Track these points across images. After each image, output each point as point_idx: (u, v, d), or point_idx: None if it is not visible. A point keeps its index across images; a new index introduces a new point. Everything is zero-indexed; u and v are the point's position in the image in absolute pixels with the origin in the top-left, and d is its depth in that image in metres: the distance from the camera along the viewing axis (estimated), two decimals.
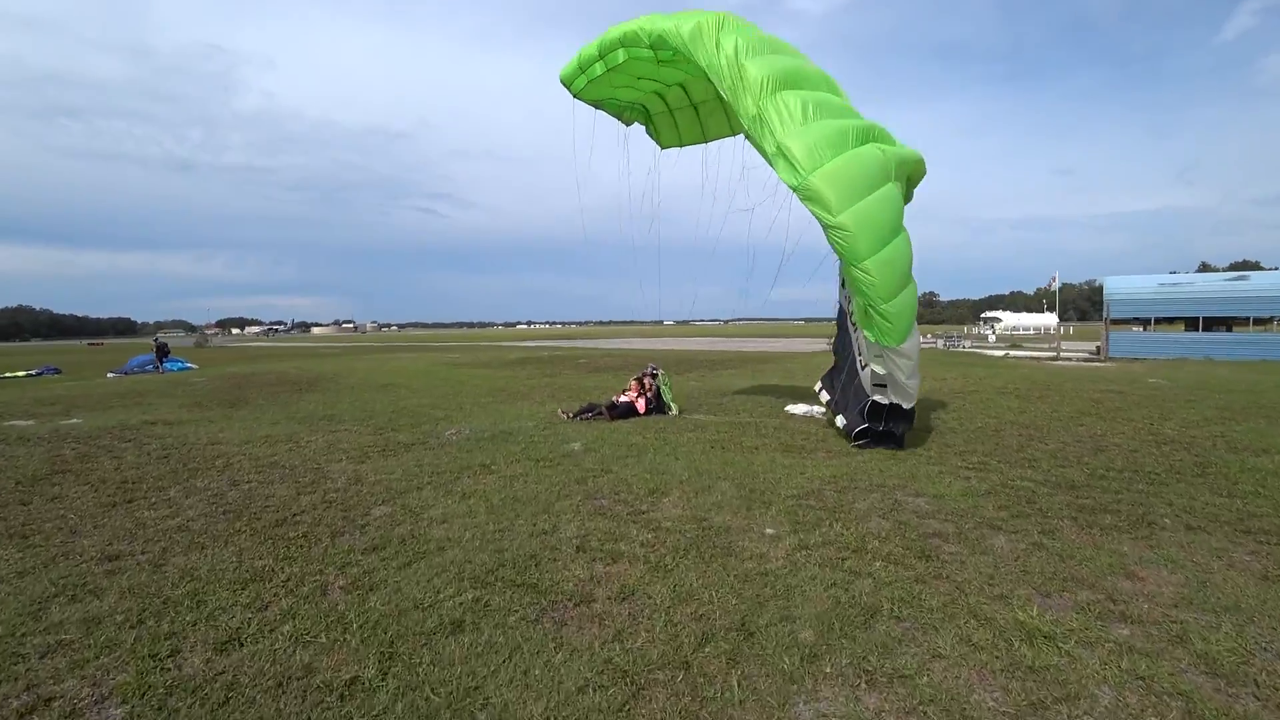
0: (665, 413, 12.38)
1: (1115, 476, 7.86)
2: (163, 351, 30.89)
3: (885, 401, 9.37)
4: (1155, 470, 8.14)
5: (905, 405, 9.51)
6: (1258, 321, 27.34)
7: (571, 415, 11.83)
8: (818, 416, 12.00)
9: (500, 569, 4.85)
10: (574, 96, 11.34)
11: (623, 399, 12.30)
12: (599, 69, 10.49)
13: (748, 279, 11.92)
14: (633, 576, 4.76)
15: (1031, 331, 57.78)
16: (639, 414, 12.07)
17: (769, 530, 5.77)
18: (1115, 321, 28.38)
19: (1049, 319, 75.33)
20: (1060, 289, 30.35)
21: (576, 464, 8.26)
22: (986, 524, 6.06)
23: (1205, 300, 26.57)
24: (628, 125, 12.31)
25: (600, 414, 11.71)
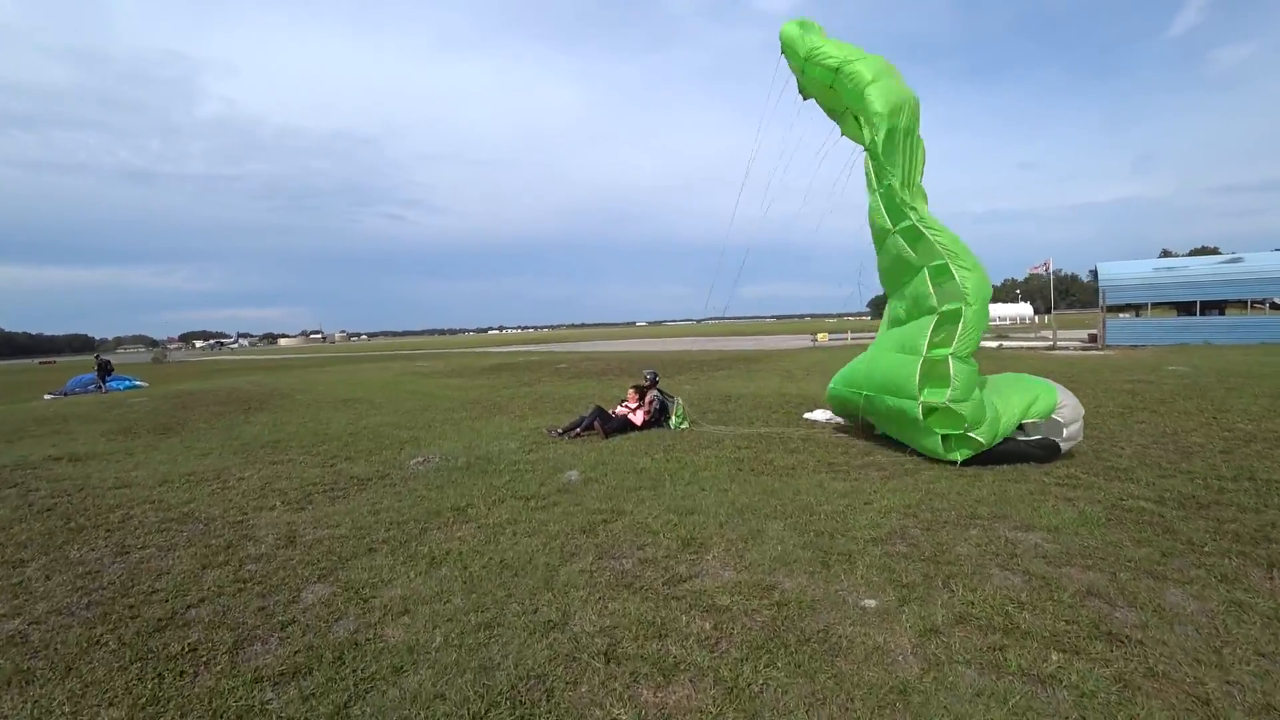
0: (665, 425, 10.64)
1: (1237, 489, 6.32)
2: (105, 370, 28.18)
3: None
4: (1276, 478, 6.66)
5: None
6: (1254, 304, 26.59)
7: (560, 432, 9.99)
8: (844, 423, 10.35)
9: (492, 710, 3.03)
10: (782, 54, 9.61)
11: (619, 410, 10.51)
12: (824, 75, 8.93)
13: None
14: (705, 712, 2.98)
15: (1007, 321, 57.50)
16: (636, 427, 10.30)
17: (868, 602, 4.04)
18: (1111, 308, 27.42)
19: (1023, 309, 75.68)
20: (1027, 278, 29.40)
21: (578, 503, 6.43)
22: (1144, 571, 4.42)
23: (1201, 283, 25.73)
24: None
25: (591, 428, 9.90)
